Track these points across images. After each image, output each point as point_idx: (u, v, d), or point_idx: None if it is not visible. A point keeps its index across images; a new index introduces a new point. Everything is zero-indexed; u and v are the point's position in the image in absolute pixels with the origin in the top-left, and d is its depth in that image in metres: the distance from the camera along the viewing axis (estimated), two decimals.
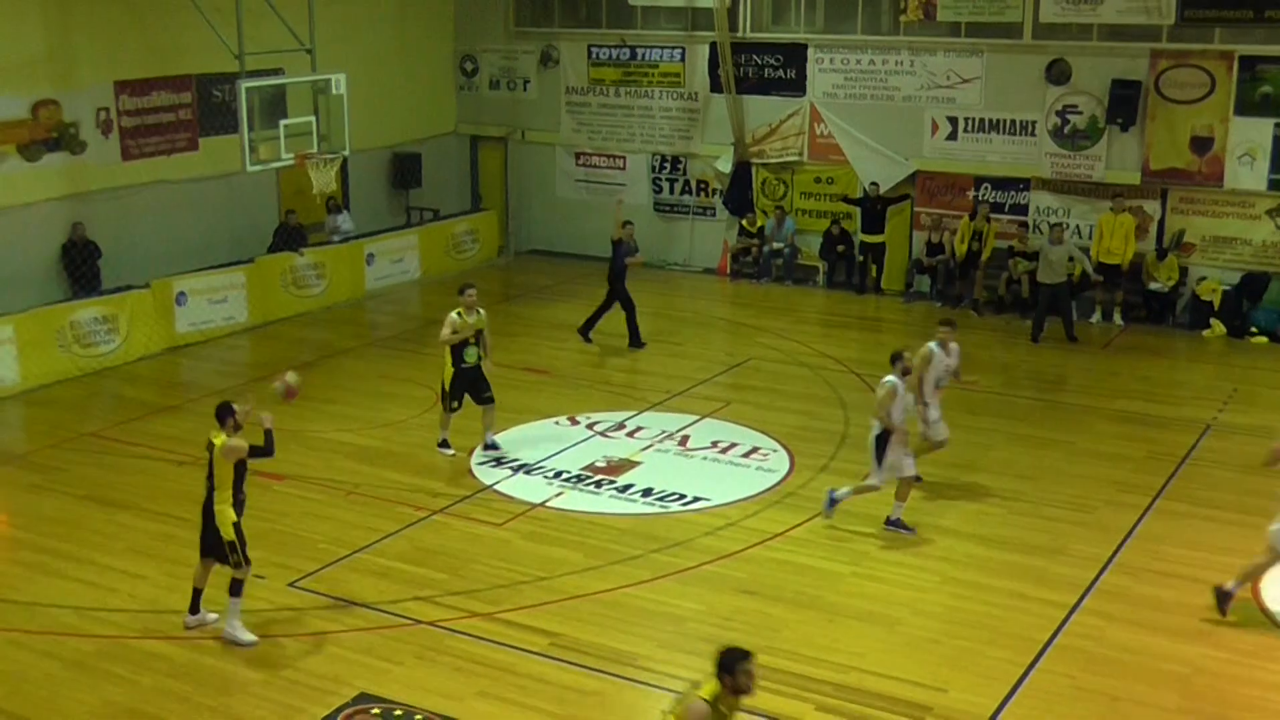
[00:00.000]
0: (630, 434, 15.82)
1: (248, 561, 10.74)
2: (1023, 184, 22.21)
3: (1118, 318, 21.07)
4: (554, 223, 26.31)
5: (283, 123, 18.66)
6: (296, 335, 20.48)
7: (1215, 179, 20.89)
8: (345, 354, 19.47)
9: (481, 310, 14.84)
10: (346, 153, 19.80)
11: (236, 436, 10.66)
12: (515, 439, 15.48)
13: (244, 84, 17.96)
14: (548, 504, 13.76)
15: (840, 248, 23.39)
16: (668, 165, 25.17)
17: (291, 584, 11.78)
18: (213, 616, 10.92)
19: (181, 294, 19.67)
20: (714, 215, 24.88)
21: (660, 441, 15.57)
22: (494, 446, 15.03)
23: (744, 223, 24.22)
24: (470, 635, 10.92)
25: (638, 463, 14.87)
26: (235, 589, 10.72)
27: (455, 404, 14.85)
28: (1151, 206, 21.36)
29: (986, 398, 17.24)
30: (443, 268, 24.22)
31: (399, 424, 16.04)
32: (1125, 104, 21.04)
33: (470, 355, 14.70)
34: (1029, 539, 12.89)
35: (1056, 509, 13.63)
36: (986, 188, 22.48)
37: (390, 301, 22.64)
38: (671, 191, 25.24)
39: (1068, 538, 12.88)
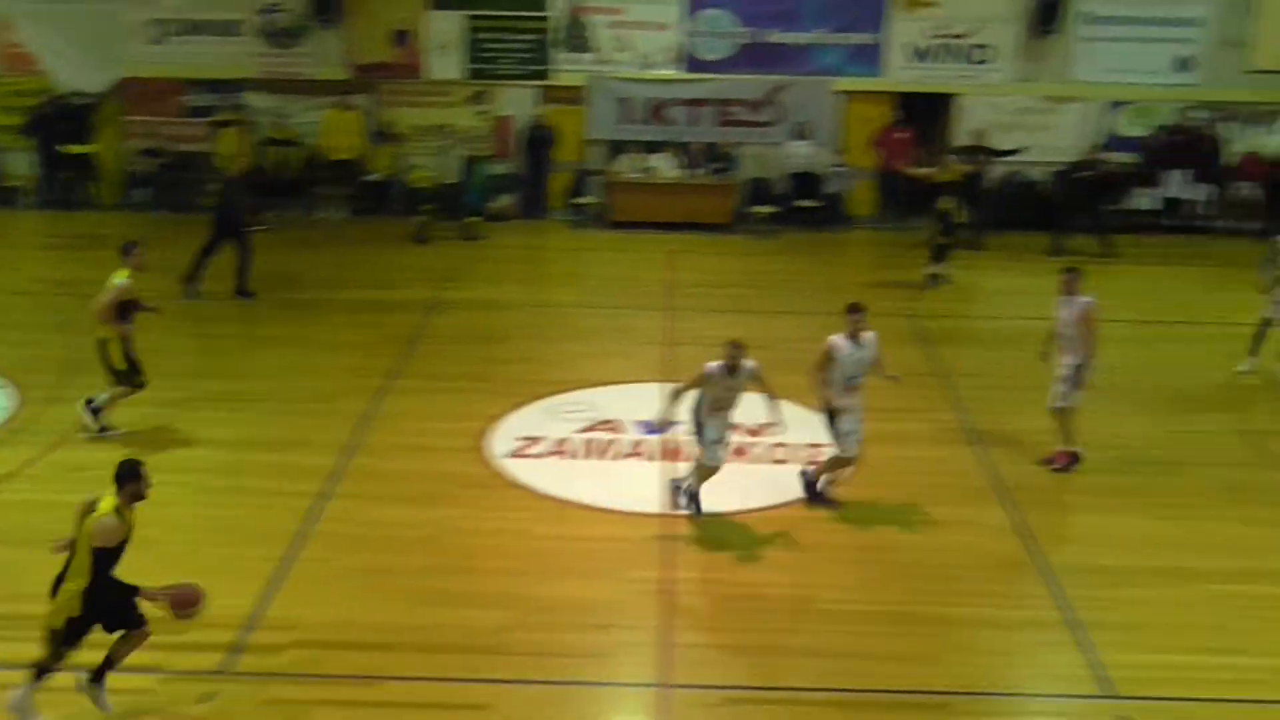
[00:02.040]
0: None
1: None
2: (236, 85, 22.03)
3: (336, 210, 21.72)
4: None
5: None
6: None
7: (416, 71, 21.93)
8: None
9: None
10: None
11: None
12: None
13: None
14: None
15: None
16: None
17: None
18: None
19: None
20: None
21: None
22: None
23: None
24: None
25: None
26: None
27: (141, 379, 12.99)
28: (362, 100, 22.06)
29: (223, 305, 17.16)
30: None
31: None
32: (325, 1, 21.43)
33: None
34: (277, 436, 13.09)
35: (300, 403, 13.93)
36: (200, 91, 22.08)
37: None
38: None
39: (313, 429, 13.21)
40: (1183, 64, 21.64)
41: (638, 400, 13.95)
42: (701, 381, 11.15)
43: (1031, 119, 21.78)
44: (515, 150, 22.20)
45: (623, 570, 10.66)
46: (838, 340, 11.53)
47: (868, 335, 11.58)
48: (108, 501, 8.40)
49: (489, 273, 19.23)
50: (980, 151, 20.50)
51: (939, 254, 18.72)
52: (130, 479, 8.47)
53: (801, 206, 21.86)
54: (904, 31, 21.76)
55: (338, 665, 9.22)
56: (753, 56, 21.80)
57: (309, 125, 21.95)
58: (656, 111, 22.02)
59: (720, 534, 11.32)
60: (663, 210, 21.61)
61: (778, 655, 9.52)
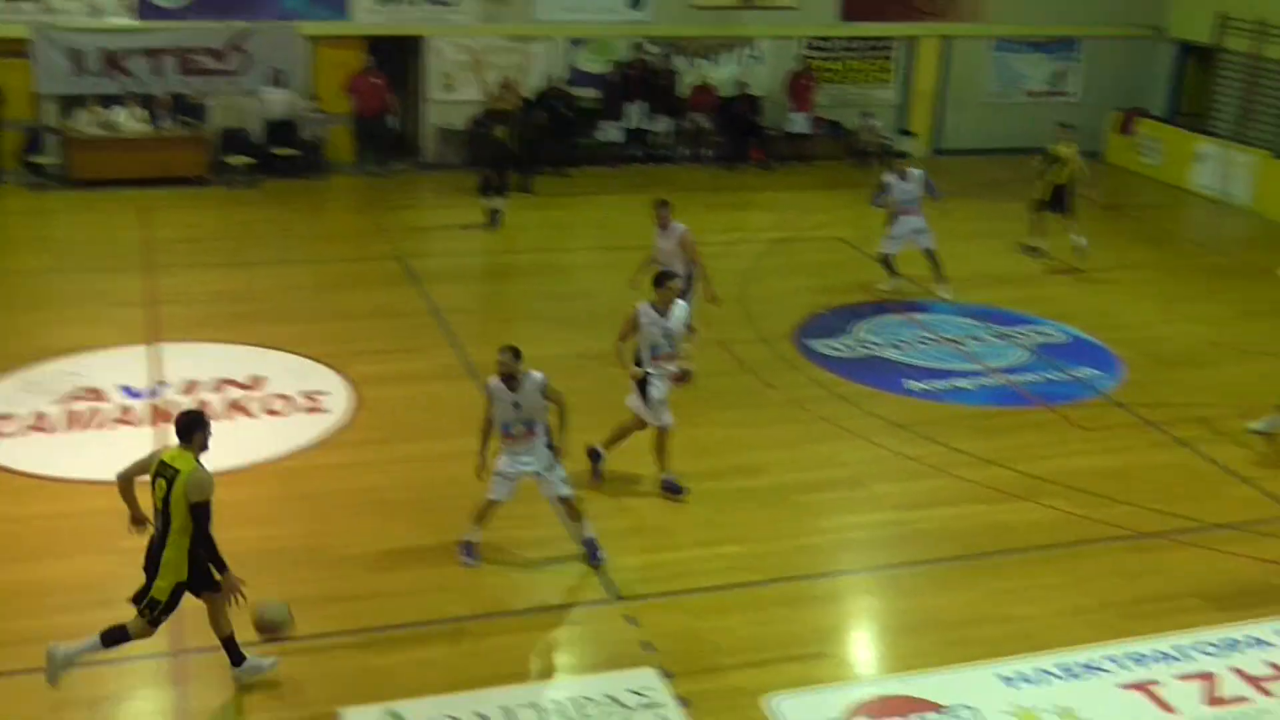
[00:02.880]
0: None
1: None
2: None
3: None
4: None
5: None
6: None
7: None
8: None
9: None
10: None
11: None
12: None
13: None
14: None
15: None
16: None
17: None
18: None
19: None
20: None
21: None
22: None
23: None
24: None
25: None
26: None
27: None
28: None
29: None
30: None
31: None
32: None
33: None
34: None
35: None
36: None
37: None
38: None
39: None
40: (635, 1, 22.78)
41: (120, 365, 13.28)
42: (489, 401, 9.83)
43: (499, 58, 22.25)
44: None
45: (119, 541, 10.10)
46: (644, 308, 11.04)
47: (678, 305, 11.17)
48: (184, 458, 7.99)
49: None
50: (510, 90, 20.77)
51: (487, 189, 18.99)
52: (198, 428, 8.10)
53: (279, 155, 21.35)
54: None
55: None
56: (211, 2, 20.95)
57: None
58: (113, 63, 20.74)
59: (226, 492, 10.98)
60: (130, 166, 20.43)
61: (295, 606, 9.37)
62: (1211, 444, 12.74)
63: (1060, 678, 8.95)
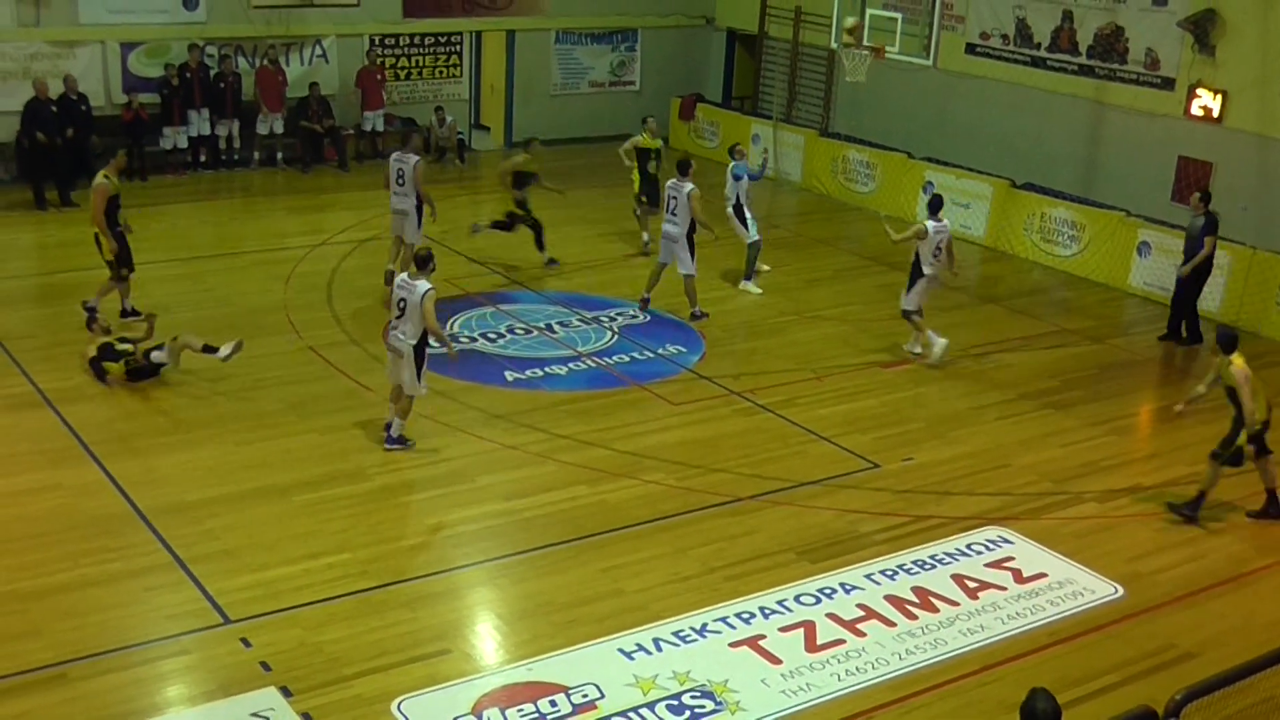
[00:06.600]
0: None
1: None
2: None
3: None
4: None
5: None
6: None
7: None
8: None
9: None
10: None
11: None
12: None
13: None
14: None
15: None
16: None
17: None
18: None
19: None
20: None
21: None
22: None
23: None
24: None
25: None
26: None
27: None
28: None
29: None
30: None
31: None
32: None
33: None
34: None
35: None
36: None
37: None
38: None
39: None
40: (191, 1, 21.75)
41: None
42: None
43: (43, 65, 20.71)
44: None
45: None
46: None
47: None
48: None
49: None
50: None
51: None
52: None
53: None
54: None
55: None
56: None
57: None
58: None
59: None
60: None
61: None
62: (790, 407, 13.55)
63: (676, 644, 9.30)
